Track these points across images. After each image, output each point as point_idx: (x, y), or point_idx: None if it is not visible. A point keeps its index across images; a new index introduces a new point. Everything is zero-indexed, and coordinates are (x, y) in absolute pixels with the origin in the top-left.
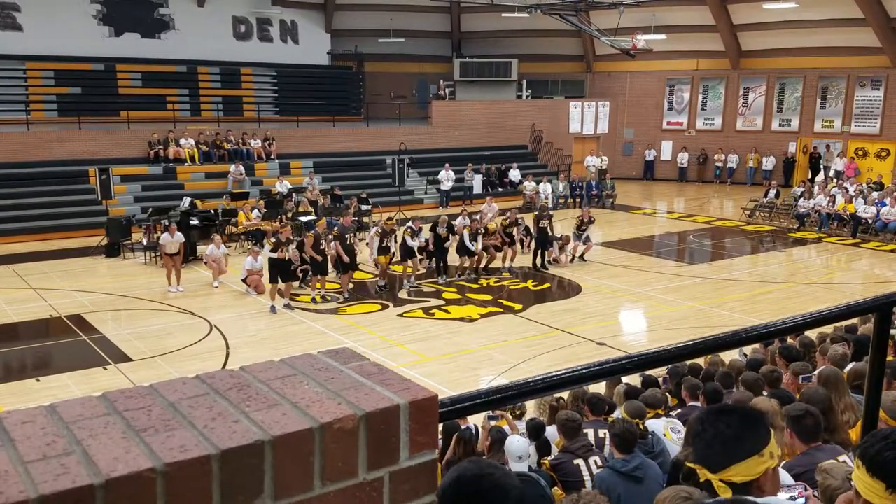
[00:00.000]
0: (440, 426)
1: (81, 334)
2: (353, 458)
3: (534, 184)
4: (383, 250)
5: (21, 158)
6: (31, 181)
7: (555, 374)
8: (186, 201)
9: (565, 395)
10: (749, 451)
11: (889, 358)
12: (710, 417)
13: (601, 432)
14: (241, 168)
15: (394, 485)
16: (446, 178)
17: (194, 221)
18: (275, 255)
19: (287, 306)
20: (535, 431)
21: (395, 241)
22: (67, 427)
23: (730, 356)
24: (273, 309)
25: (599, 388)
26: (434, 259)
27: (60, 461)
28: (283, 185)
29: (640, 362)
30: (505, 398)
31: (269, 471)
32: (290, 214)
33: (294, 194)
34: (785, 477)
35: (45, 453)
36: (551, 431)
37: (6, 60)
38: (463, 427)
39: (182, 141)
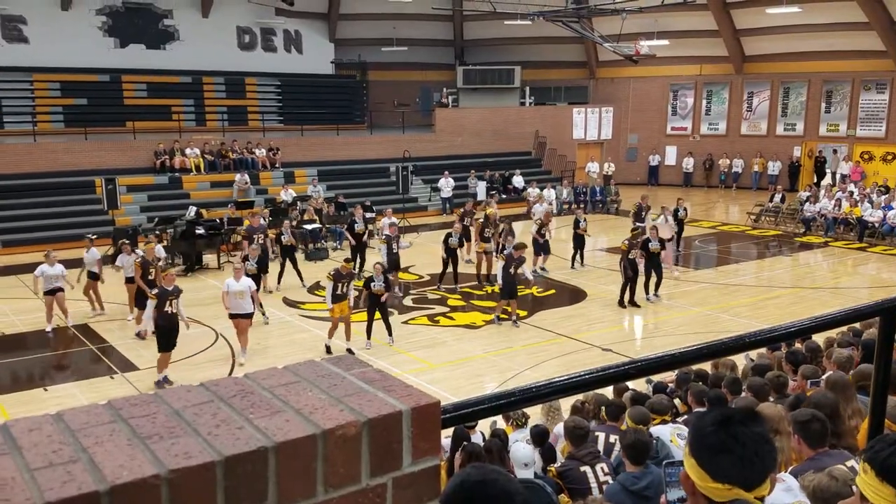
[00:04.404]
0: (451, 432)
1: (88, 344)
2: (356, 465)
3: (537, 190)
4: (337, 298)
5: (28, 169)
6: (38, 192)
7: (558, 379)
8: (192, 211)
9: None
10: (776, 456)
11: None
12: (732, 427)
13: (612, 437)
14: (246, 177)
15: (397, 490)
16: (446, 185)
17: (200, 231)
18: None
19: (165, 381)
20: (539, 438)
21: (352, 287)
22: (73, 434)
23: (739, 363)
24: (160, 383)
25: (607, 394)
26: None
27: (66, 468)
28: (287, 194)
29: (643, 367)
30: (508, 404)
31: (272, 477)
32: (295, 223)
33: (299, 203)
34: (792, 483)
35: (52, 460)
36: (559, 430)
37: (13, 72)
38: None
39: (187, 151)
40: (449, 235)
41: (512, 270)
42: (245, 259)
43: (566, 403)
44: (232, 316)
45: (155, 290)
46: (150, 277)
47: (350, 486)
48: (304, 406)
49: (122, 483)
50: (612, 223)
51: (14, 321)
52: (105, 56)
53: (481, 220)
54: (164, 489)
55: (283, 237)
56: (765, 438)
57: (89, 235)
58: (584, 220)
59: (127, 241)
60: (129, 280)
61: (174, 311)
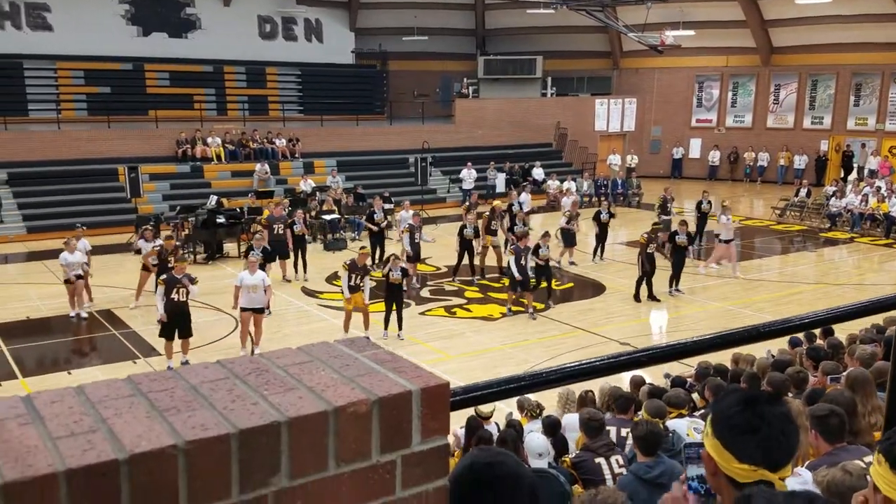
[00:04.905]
0: (466, 423)
1: (111, 329)
2: (367, 441)
3: (557, 182)
4: (352, 289)
5: (52, 157)
6: (62, 179)
7: (569, 365)
8: (213, 200)
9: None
10: (799, 436)
11: None
12: (758, 407)
13: (623, 431)
14: (266, 167)
15: (406, 468)
16: (468, 176)
17: (221, 220)
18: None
19: (186, 364)
20: (551, 428)
21: (369, 279)
22: (94, 406)
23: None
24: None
25: (624, 386)
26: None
27: (87, 437)
28: (307, 184)
29: (654, 355)
30: (517, 388)
31: (285, 451)
32: (314, 213)
33: (318, 193)
34: (808, 477)
35: (73, 430)
36: (571, 422)
37: (37, 60)
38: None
39: (209, 140)
40: (464, 227)
41: (523, 262)
42: (250, 249)
43: None
44: (244, 310)
45: (164, 277)
46: (168, 266)
47: (360, 462)
48: (317, 384)
49: (141, 452)
50: (634, 216)
51: (39, 306)
52: (128, 44)
53: (487, 213)
54: (181, 459)
55: (295, 227)
56: (789, 418)
57: (79, 225)
58: (608, 211)
59: (150, 228)
60: (145, 268)
61: (181, 299)
